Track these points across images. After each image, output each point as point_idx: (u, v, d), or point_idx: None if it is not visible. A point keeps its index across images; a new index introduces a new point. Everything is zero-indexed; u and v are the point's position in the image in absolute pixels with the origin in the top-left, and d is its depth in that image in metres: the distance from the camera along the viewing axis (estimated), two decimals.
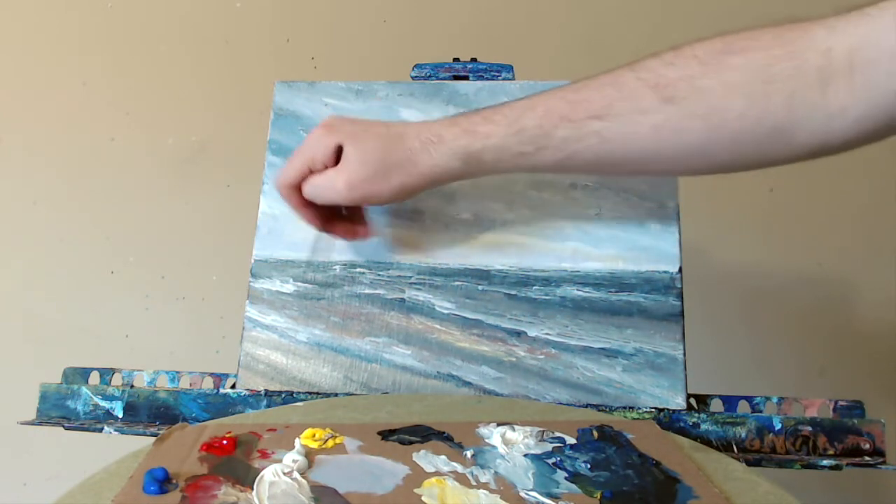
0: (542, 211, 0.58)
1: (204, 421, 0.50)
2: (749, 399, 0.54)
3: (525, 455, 0.42)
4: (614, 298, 0.55)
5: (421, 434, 0.44)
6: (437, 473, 0.39)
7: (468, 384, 0.55)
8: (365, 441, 0.43)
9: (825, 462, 0.49)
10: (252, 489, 0.37)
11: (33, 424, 0.55)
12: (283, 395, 0.55)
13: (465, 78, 0.63)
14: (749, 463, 0.49)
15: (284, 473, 0.38)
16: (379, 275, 0.58)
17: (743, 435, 0.51)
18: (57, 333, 1.06)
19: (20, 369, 1.03)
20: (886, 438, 0.50)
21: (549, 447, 0.43)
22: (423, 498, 0.36)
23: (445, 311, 0.56)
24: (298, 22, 1.09)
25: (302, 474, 0.39)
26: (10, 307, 1.07)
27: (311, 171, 0.51)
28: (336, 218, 0.56)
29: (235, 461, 0.40)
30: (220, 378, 0.57)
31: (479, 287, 0.57)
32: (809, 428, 0.51)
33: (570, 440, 0.44)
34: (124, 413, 0.55)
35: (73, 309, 1.07)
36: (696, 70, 0.43)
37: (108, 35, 1.09)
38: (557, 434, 0.44)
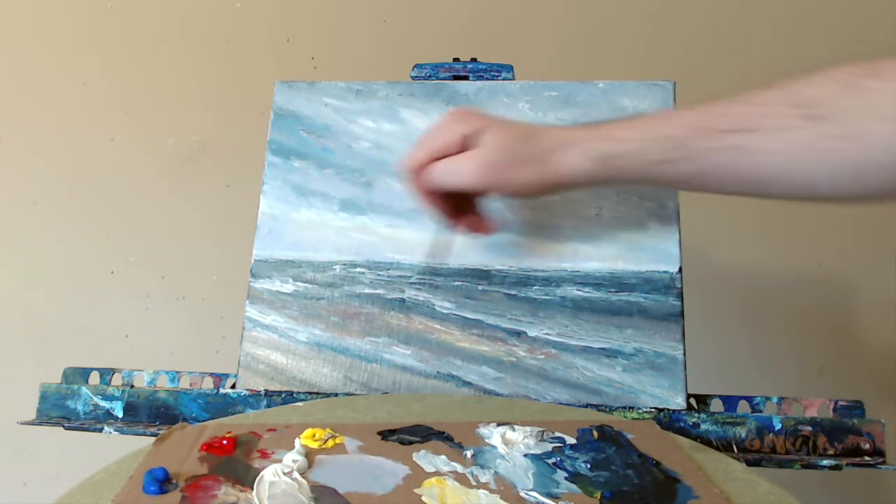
0: (542, 211, 0.58)
1: (204, 421, 0.50)
2: (749, 399, 0.54)
3: (525, 455, 0.42)
4: (614, 298, 0.55)
5: (421, 434, 0.44)
6: (437, 473, 0.39)
7: (468, 384, 0.55)
8: (365, 441, 0.43)
9: (825, 462, 0.49)
10: (252, 489, 0.37)
11: (33, 424, 0.55)
12: (283, 395, 0.55)
13: (465, 78, 0.63)
14: (749, 463, 0.49)
15: (284, 473, 0.38)
16: (379, 275, 0.58)
17: (743, 435, 0.51)
18: (57, 333, 1.06)
19: (20, 369, 1.03)
20: (886, 438, 0.50)
21: (549, 447, 0.43)
22: (423, 498, 0.36)
23: (445, 311, 0.56)
24: (298, 22, 1.09)
25: (302, 474, 0.39)
26: (11, 307, 1.07)
27: (436, 159, 0.50)
28: (460, 212, 0.54)
29: (235, 461, 0.40)
30: (220, 378, 0.57)
31: (479, 287, 0.57)
32: (809, 428, 0.51)
33: (570, 440, 0.44)
34: (124, 413, 0.55)
35: (73, 309, 1.07)
36: (837, 90, 0.42)
37: (108, 35, 1.09)
38: (557, 434, 0.44)
